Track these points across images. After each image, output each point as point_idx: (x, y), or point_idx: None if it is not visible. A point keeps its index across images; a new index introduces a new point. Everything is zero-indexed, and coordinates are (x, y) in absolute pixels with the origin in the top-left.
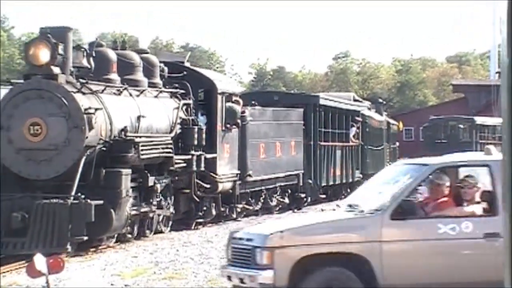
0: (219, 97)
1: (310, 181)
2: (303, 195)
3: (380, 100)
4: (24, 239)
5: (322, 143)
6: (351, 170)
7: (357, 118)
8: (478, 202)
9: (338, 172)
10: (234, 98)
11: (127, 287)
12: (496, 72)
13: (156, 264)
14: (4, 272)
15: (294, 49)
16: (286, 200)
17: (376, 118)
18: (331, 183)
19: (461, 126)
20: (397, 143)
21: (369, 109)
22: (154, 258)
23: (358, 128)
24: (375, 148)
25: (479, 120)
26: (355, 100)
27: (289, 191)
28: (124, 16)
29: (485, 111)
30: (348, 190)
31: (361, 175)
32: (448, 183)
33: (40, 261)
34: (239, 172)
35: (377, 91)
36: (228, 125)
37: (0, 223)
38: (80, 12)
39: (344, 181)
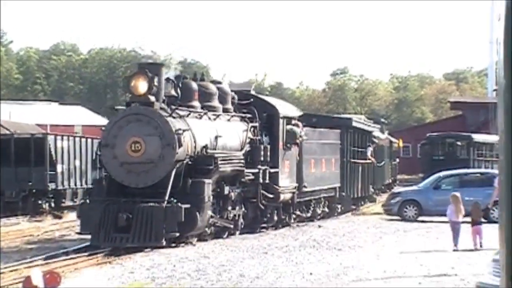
0: (281, 120)
1: (343, 194)
2: (339, 206)
3: (383, 120)
4: (128, 235)
5: (352, 160)
6: (367, 185)
7: (372, 139)
8: None
9: (359, 186)
10: (293, 121)
11: None
12: (494, 90)
13: (153, 280)
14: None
15: (292, 65)
16: (326, 210)
17: (382, 137)
18: (355, 195)
19: (459, 143)
20: (398, 160)
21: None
22: (151, 273)
23: (373, 147)
24: (379, 165)
25: (477, 137)
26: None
27: (327, 202)
28: (120, 31)
29: (483, 129)
30: (362, 203)
31: (373, 189)
32: None
33: (37, 276)
34: (297, 184)
35: (374, 108)
36: (288, 145)
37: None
38: (77, 26)
39: (363, 194)
